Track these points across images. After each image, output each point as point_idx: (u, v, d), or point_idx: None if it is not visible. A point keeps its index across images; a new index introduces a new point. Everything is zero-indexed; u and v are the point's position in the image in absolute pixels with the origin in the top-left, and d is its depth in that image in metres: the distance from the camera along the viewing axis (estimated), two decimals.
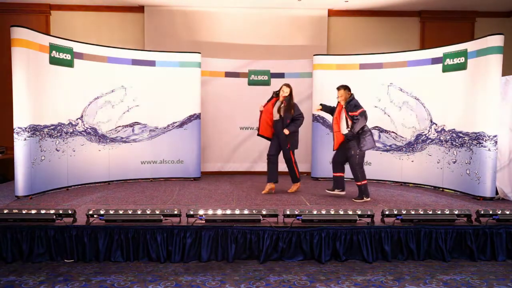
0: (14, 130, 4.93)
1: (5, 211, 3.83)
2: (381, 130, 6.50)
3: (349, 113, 4.92)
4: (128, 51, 6.34)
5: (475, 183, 5.21)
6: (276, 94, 5.47)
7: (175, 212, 3.89)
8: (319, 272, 3.49)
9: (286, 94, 5.35)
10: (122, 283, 3.23)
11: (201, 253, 3.73)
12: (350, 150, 5.05)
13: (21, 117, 4.95)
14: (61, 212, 3.84)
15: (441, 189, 5.81)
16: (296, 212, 3.87)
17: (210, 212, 3.86)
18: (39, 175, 5.16)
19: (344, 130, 5.06)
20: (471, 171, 5.29)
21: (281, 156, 5.44)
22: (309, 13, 7.70)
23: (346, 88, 5.06)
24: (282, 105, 5.35)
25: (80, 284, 3.20)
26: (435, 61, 5.89)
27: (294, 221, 3.86)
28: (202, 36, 7.69)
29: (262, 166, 7.21)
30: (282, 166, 5.51)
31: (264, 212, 3.91)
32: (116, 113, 6.23)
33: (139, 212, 3.85)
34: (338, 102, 5.14)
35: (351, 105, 4.94)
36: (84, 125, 5.87)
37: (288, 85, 5.42)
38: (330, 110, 5.39)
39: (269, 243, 3.73)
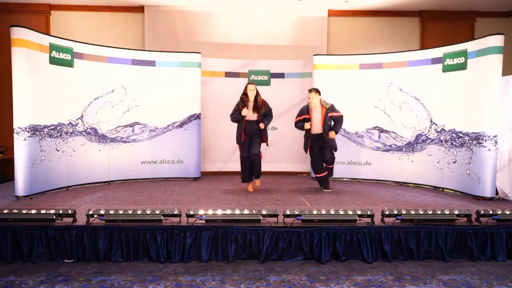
0: (14, 130, 4.93)
1: (5, 211, 3.83)
2: (381, 130, 6.50)
3: (332, 114, 5.40)
4: (128, 51, 6.35)
5: (475, 183, 5.21)
6: (241, 98, 5.42)
7: (175, 212, 3.89)
8: (319, 272, 3.49)
9: (255, 93, 5.36)
10: (122, 283, 3.23)
11: (201, 253, 3.73)
12: (330, 146, 5.50)
13: (21, 117, 4.95)
14: (61, 212, 3.84)
15: (441, 189, 5.81)
16: (296, 212, 3.87)
17: (210, 212, 3.86)
18: (39, 175, 5.16)
19: (320, 130, 5.43)
20: (471, 171, 5.29)
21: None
22: (309, 13, 7.69)
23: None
24: (258, 104, 5.35)
25: (80, 284, 3.20)
26: (435, 61, 5.89)
27: (294, 221, 3.86)
28: (202, 36, 7.68)
29: (262, 166, 7.22)
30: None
31: (264, 212, 3.91)
32: (116, 113, 6.24)
33: (139, 212, 3.85)
34: (310, 104, 5.41)
35: (332, 107, 5.43)
36: (84, 125, 5.87)
37: (253, 83, 5.46)
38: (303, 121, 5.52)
39: (269, 243, 3.73)
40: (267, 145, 5.59)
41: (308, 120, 5.43)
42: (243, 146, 5.45)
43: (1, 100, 7.41)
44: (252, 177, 5.62)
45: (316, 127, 5.42)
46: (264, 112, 5.38)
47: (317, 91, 5.45)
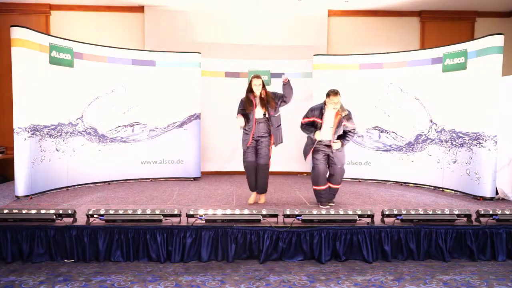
0: (14, 130, 4.93)
1: (5, 211, 3.83)
2: (381, 130, 6.50)
3: (346, 124, 4.51)
4: (128, 51, 6.35)
5: (475, 183, 5.21)
6: (247, 96, 4.71)
7: (175, 212, 3.89)
8: (319, 272, 3.49)
9: (261, 87, 4.61)
10: (122, 283, 3.23)
11: (201, 253, 3.73)
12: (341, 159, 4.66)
13: (21, 117, 4.95)
14: (61, 212, 3.84)
15: (441, 189, 5.81)
16: (296, 212, 3.87)
17: (210, 212, 3.86)
18: (39, 175, 5.16)
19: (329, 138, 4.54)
20: (471, 171, 5.29)
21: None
22: (309, 13, 7.68)
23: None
24: (265, 98, 4.61)
25: (80, 284, 3.20)
26: (435, 61, 5.89)
27: (294, 221, 3.86)
28: (202, 36, 7.68)
29: None
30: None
31: (264, 212, 3.91)
32: (116, 113, 6.24)
33: (139, 212, 3.85)
34: (325, 107, 4.48)
35: (349, 115, 4.49)
36: (84, 125, 5.87)
37: (259, 76, 4.65)
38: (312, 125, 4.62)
39: (269, 243, 3.73)
40: (275, 145, 4.75)
41: (318, 125, 4.51)
42: (246, 149, 4.74)
43: (1, 100, 7.41)
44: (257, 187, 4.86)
45: (326, 133, 4.51)
46: (274, 104, 4.61)
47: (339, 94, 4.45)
